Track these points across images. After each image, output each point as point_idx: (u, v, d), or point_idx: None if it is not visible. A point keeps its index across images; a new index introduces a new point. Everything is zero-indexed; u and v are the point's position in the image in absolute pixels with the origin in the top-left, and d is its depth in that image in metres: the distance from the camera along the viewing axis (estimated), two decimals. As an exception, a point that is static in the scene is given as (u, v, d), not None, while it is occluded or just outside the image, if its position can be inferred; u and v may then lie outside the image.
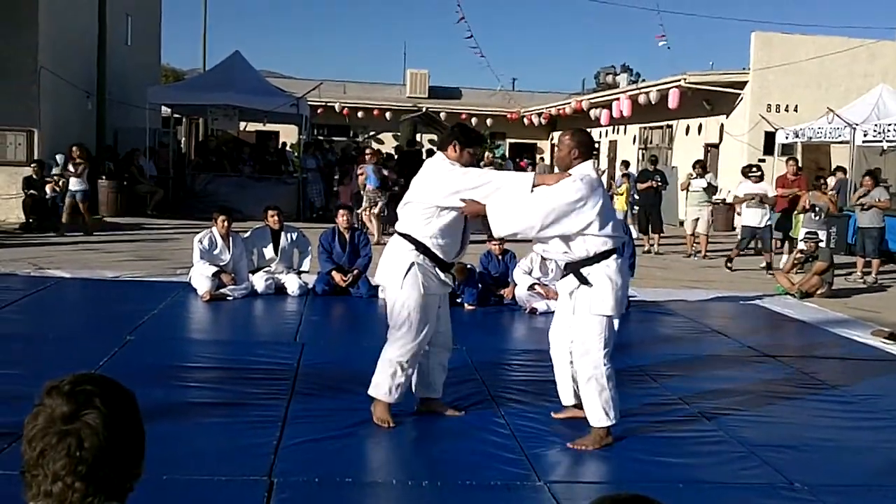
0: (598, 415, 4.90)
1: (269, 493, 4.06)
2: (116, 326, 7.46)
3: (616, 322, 5.01)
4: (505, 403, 5.75)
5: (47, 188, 15.32)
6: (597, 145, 28.96)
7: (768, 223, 13.95)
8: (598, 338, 4.89)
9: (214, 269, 9.26)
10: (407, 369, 5.19)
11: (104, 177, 17.56)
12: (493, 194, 4.86)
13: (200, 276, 9.19)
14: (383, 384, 5.18)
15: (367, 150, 17.37)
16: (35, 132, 16.65)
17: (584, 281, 4.90)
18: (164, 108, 22.31)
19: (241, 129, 25.66)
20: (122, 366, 6.07)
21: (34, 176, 15.39)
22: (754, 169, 14.25)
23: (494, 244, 9.83)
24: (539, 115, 34.10)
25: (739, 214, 15.79)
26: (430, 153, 26.98)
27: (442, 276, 5.15)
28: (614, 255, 4.89)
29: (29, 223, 15.14)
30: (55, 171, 15.79)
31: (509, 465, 4.62)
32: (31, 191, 15.29)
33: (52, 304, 8.74)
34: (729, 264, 13.76)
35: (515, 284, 9.44)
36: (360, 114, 34.23)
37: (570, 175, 4.86)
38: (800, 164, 15.52)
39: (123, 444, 1.61)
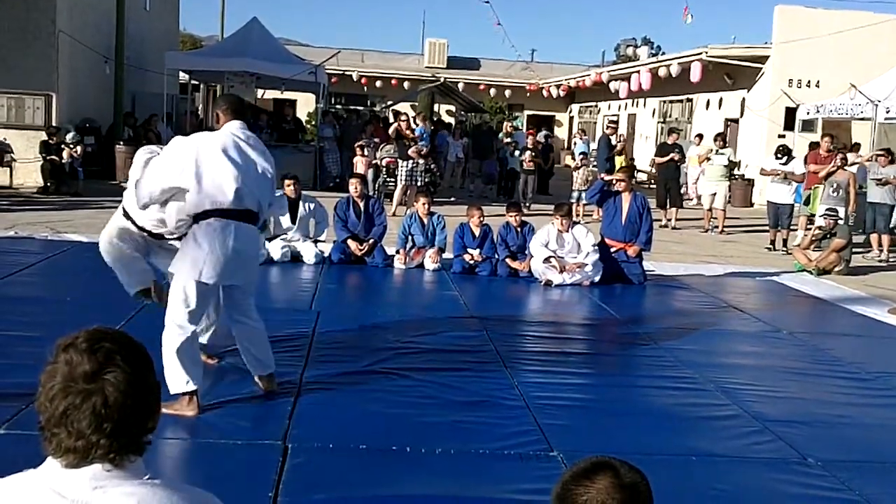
0: (174, 380, 4.50)
1: (284, 458, 4.09)
2: (134, 291, 7.48)
3: (194, 286, 4.58)
4: (519, 374, 5.76)
5: (64, 153, 15.36)
6: (616, 118, 28.79)
7: (792, 201, 13.82)
8: (174, 300, 4.62)
9: (231, 235, 9.26)
10: None
11: (122, 142, 17.58)
12: None
13: (217, 243, 9.20)
14: None
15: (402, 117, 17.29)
16: (53, 96, 16.66)
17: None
18: (181, 74, 22.27)
19: (259, 96, 25.61)
20: (138, 330, 6.01)
21: (51, 141, 15.43)
22: (779, 154, 14.01)
23: (512, 216, 9.82)
24: (558, 86, 33.88)
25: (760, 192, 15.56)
26: (448, 126, 26.63)
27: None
28: (211, 217, 4.60)
29: (47, 187, 15.22)
30: (70, 136, 15.80)
31: (522, 435, 4.63)
32: (49, 155, 15.33)
33: (69, 267, 8.79)
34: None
35: (532, 256, 9.43)
36: (377, 83, 34.12)
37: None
38: (834, 141, 15.18)
39: (143, 400, 1.65)
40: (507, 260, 9.58)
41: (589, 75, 30.47)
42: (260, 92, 25.16)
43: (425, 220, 9.90)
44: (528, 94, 36.05)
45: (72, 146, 15.52)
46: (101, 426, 1.58)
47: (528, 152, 18.00)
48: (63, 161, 15.37)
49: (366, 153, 16.51)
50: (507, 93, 35.47)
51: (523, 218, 10.02)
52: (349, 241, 9.71)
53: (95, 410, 1.58)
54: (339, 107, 29.03)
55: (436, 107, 27.43)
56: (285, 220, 9.87)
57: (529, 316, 8.27)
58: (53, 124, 16.20)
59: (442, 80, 25.83)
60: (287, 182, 9.91)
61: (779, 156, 13.98)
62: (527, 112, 38.03)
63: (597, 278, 9.38)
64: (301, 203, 9.97)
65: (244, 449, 4.22)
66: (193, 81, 23.25)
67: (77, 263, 8.96)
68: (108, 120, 18.59)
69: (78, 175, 15.54)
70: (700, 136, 19.40)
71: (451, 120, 30.31)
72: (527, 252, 9.58)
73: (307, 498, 3.74)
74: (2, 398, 4.62)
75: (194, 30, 54.43)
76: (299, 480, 3.89)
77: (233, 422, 4.58)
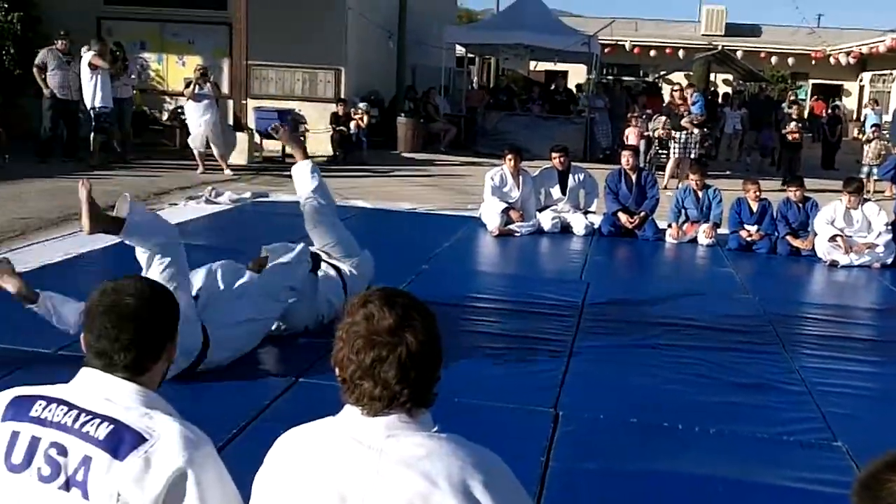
0: None
1: (555, 425, 4.16)
2: (413, 255, 7.88)
3: None
4: (800, 358, 5.47)
5: (351, 124, 16.36)
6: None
7: None
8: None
9: (504, 205, 9.49)
10: None
11: (403, 114, 18.45)
12: None
13: (491, 212, 9.47)
14: None
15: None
16: (342, 70, 17.76)
17: None
18: (458, 47, 22.94)
19: (532, 68, 25.88)
20: (417, 292, 6.36)
21: (339, 113, 16.48)
22: None
23: (793, 191, 9.30)
24: (847, 53, 31.37)
25: None
26: (726, 95, 25.37)
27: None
28: None
29: (335, 156, 16.29)
30: (363, 105, 16.79)
31: (804, 422, 4.41)
32: (338, 126, 16.39)
33: (354, 231, 9.33)
34: None
35: (815, 234, 8.87)
36: (651, 52, 33.24)
37: None
38: None
39: (436, 351, 1.75)
40: (788, 237, 9.07)
41: (884, 41, 27.96)
42: (532, 64, 25.43)
43: (700, 194, 9.59)
44: (814, 62, 33.66)
45: (362, 114, 16.47)
46: (407, 375, 1.69)
47: (792, 123, 16.66)
48: (350, 132, 16.39)
49: (638, 124, 16.21)
50: (790, 61, 33.29)
51: (805, 193, 9.43)
52: (619, 214, 9.62)
53: (401, 361, 1.69)
54: (609, 77, 28.66)
55: (712, 76, 26.35)
56: (555, 192, 9.95)
57: (812, 297, 7.82)
58: (342, 97, 17.29)
59: (719, 48, 24.72)
60: (554, 155, 9.98)
61: None
62: (811, 81, 35.63)
63: (889, 260, 8.66)
64: (570, 174, 10.00)
65: (517, 412, 4.34)
66: (469, 55, 23.89)
67: (362, 228, 9.53)
68: (391, 92, 19.54)
69: (363, 145, 16.50)
70: None
71: (728, 89, 29.03)
72: (810, 229, 9.03)
73: (579, 465, 3.79)
74: (296, 351, 5.07)
75: (470, 4, 55.83)
76: (570, 448, 3.94)
77: (505, 385, 4.72)
